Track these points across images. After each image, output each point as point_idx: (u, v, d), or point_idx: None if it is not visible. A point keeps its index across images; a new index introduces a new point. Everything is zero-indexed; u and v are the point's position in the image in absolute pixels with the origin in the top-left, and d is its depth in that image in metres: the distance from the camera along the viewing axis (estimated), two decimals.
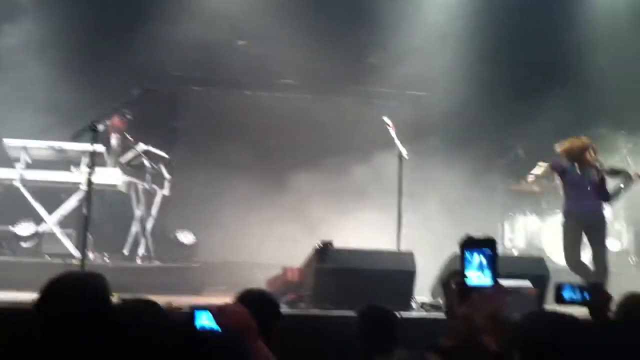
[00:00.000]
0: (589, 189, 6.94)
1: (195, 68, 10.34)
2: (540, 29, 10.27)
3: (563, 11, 10.44)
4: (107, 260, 7.94)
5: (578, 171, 7.00)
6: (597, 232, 7.02)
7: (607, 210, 9.38)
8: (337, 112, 10.78)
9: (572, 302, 2.74)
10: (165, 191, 8.82)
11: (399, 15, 10.11)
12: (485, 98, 10.26)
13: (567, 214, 7.09)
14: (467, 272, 1.91)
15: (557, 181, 7.38)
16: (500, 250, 1.89)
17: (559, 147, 7.09)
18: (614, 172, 7.09)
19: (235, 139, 10.09)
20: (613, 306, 3.18)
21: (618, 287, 4.55)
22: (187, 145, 10.20)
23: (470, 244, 1.92)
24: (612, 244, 9.15)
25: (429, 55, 10.14)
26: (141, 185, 8.52)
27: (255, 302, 3.24)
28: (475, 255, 1.91)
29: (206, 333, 2.49)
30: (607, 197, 7.06)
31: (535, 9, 10.27)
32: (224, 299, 3.41)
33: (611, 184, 7.15)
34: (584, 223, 6.99)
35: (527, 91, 10.42)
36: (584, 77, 10.14)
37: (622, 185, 7.03)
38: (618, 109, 9.51)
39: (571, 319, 2.22)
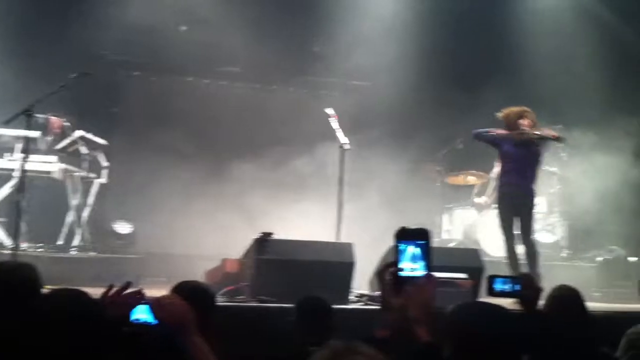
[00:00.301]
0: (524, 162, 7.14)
1: (136, 53, 10.11)
2: (484, 21, 10.43)
3: (507, 5, 10.62)
4: (40, 251, 7.70)
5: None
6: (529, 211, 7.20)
7: (543, 203, 9.68)
8: (281, 102, 10.75)
9: (503, 293, 2.79)
10: (103, 179, 8.61)
11: (344, 4, 10.11)
12: (429, 89, 10.37)
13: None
14: (401, 264, 1.91)
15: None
16: (437, 242, 1.90)
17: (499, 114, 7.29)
18: (540, 137, 7.21)
19: (176, 126, 9.93)
20: (543, 298, 3.26)
21: (550, 279, 4.68)
22: (126, 132, 9.96)
23: (404, 236, 1.93)
24: (546, 237, 9.41)
25: (374, 46, 10.18)
26: (77, 173, 8.31)
27: (190, 293, 3.19)
28: (410, 246, 1.92)
29: (138, 327, 2.45)
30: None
31: (480, 1, 10.40)
32: (162, 290, 3.35)
33: None
34: (518, 201, 7.14)
35: (470, 83, 10.58)
36: (525, 70, 10.35)
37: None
38: (556, 103, 9.72)
39: (500, 310, 2.26)
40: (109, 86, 10.23)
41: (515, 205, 7.12)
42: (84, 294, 2.13)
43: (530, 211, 7.14)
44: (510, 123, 7.17)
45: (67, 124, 8.27)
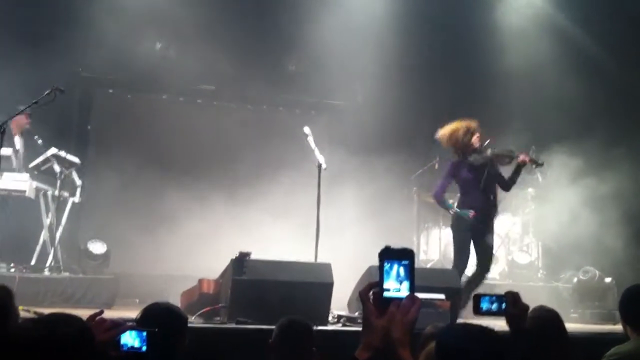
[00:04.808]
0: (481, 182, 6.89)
1: (111, 70, 10.01)
2: (461, 37, 10.54)
3: (480, 22, 10.73)
4: (13, 271, 7.54)
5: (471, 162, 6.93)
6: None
7: (517, 224, 9.72)
8: (256, 120, 10.73)
9: (490, 312, 2.78)
10: (76, 198, 8.49)
11: (321, 23, 10.13)
12: (405, 109, 10.41)
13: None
14: (385, 284, 1.89)
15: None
16: (415, 262, 1.89)
17: (439, 135, 7.03)
18: (502, 158, 7.01)
19: (152, 144, 9.87)
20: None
21: (527, 300, 4.69)
22: (100, 150, 9.86)
23: (388, 255, 1.91)
24: (522, 257, 9.46)
25: (350, 65, 10.23)
26: (50, 191, 8.18)
27: (161, 315, 3.16)
28: (394, 266, 1.90)
29: (126, 353, 2.41)
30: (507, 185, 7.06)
31: (455, 17, 10.49)
32: (135, 312, 3.30)
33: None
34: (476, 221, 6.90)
35: (447, 103, 10.66)
36: (498, 87, 10.46)
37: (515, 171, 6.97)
38: (530, 122, 9.80)
39: (481, 330, 2.26)
40: (83, 103, 10.14)
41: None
42: (74, 318, 2.07)
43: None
44: (462, 145, 6.97)
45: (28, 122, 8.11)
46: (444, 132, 7.07)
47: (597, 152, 9.14)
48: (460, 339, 2.21)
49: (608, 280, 8.31)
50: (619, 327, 3.83)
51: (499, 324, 2.88)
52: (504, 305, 2.78)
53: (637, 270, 8.22)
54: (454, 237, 7.02)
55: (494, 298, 2.80)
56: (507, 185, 7.09)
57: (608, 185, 9.07)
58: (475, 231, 6.88)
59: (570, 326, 6.32)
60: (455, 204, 7.04)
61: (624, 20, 9.94)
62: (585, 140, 9.26)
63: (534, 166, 7.12)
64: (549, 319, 3.49)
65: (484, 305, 2.78)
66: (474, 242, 6.94)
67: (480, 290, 6.42)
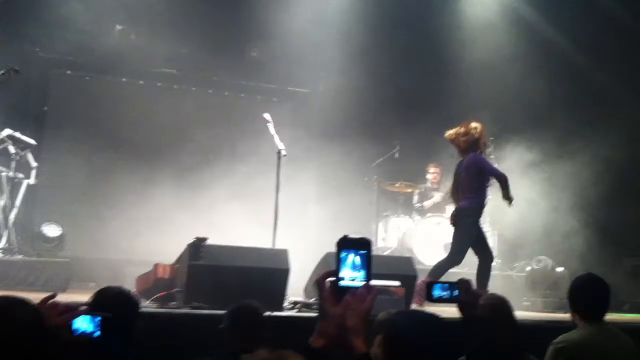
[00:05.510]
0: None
1: (69, 51, 9.81)
2: (425, 28, 10.59)
3: (445, 14, 10.80)
4: None
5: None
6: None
7: None
8: (218, 105, 10.65)
9: (442, 300, 2.83)
10: (31, 180, 8.33)
11: (284, 10, 10.08)
12: (367, 98, 10.45)
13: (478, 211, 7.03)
14: (342, 272, 1.91)
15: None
16: (373, 249, 1.91)
17: (466, 133, 6.95)
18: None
19: (110, 127, 9.73)
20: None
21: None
22: (56, 132, 9.67)
23: (346, 244, 1.92)
24: None
25: (313, 53, 10.20)
26: (5, 173, 8.01)
27: (113, 299, 3.15)
28: (351, 255, 1.91)
29: (80, 337, 2.39)
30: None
31: (421, 8, 10.52)
32: (88, 296, 3.27)
33: None
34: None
35: (410, 93, 10.73)
36: (460, 80, 10.55)
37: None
38: (490, 112, 9.90)
39: (427, 316, 2.29)
40: (40, 84, 9.93)
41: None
42: (25, 302, 2.04)
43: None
44: (480, 144, 7.06)
45: None
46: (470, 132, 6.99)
47: (553, 145, 9.30)
48: (407, 325, 2.24)
49: (560, 269, 8.47)
50: (569, 316, 3.92)
51: (452, 311, 2.93)
52: (456, 293, 2.82)
53: (587, 260, 8.41)
54: (467, 230, 6.92)
55: (446, 285, 2.84)
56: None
57: (562, 177, 9.26)
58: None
59: (522, 314, 6.48)
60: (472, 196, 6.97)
61: (586, 15, 10.09)
62: (542, 133, 9.42)
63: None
64: (498, 306, 3.54)
65: (437, 293, 2.82)
66: (479, 236, 7.01)
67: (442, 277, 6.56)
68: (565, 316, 4.12)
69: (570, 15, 10.25)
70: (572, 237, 9.00)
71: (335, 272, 1.91)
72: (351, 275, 1.91)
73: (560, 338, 3.76)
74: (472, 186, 6.93)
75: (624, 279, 9.03)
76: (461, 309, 2.92)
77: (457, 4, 10.90)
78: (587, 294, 3.83)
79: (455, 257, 6.88)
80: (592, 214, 9.30)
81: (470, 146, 6.97)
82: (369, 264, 1.92)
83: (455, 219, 7.01)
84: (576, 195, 9.26)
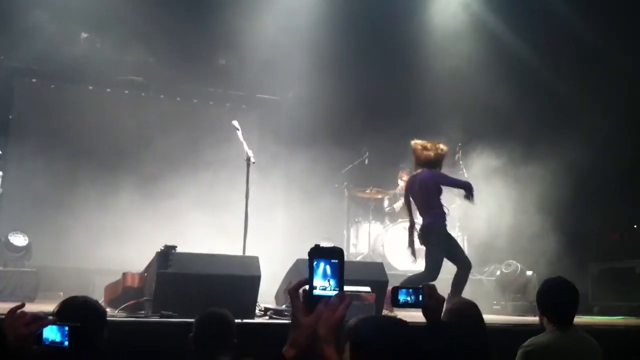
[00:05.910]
0: None
1: (34, 59, 9.69)
2: (394, 37, 10.66)
3: (413, 23, 10.89)
4: None
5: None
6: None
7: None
8: (185, 113, 10.59)
9: (407, 305, 2.84)
10: None
11: (253, 18, 10.07)
12: (336, 105, 10.47)
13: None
14: (314, 281, 1.90)
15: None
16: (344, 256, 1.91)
17: (437, 149, 6.91)
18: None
19: (76, 135, 9.63)
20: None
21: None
22: (21, 141, 9.52)
23: (318, 253, 1.92)
24: None
25: (282, 61, 10.20)
26: None
27: (79, 309, 3.10)
28: (322, 264, 1.91)
29: (48, 347, 2.36)
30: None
31: (389, 17, 10.59)
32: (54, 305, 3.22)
33: None
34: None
35: (377, 100, 10.78)
36: (426, 87, 10.64)
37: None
38: (456, 120, 10.00)
39: (391, 321, 2.29)
40: (4, 93, 9.79)
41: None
42: None
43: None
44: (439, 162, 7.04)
45: None
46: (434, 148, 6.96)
47: (519, 151, 9.41)
48: (371, 331, 2.24)
49: (529, 273, 8.57)
50: (537, 319, 3.96)
51: (418, 315, 2.94)
52: (420, 298, 2.84)
53: (554, 263, 8.51)
54: (438, 245, 6.77)
55: (411, 290, 2.85)
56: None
57: (529, 182, 9.37)
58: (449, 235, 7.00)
59: (492, 317, 6.53)
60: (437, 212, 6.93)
61: (549, 28, 10.27)
62: (508, 139, 9.53)
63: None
64: (466, 310, 3.57)
65: (402, 298, 2.83)
66: (453, 246, 6.93)
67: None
68: (535, 319, 4.16)
69: (534, 26, 10.41)
70: (540, 241, 9.10)
71: (308, 282, 1.91)
72: (323, 285, 1.91)
73: (528, 341, 3.80)
74: (433, 202, 6.89)
75: (592, 282, 9.18)
76: (425, 314, 2.94)
77: (426, 13, 11.00)
78: (555, 298, 3.86)
79: (431, 273, 6.78)
80: (559, 218, 9.42)
81: (429, 162, 6.93)
82: (341, 273, 1.92)
83: (424, 238, 6.92)
84: (543, 200, 9.38)
